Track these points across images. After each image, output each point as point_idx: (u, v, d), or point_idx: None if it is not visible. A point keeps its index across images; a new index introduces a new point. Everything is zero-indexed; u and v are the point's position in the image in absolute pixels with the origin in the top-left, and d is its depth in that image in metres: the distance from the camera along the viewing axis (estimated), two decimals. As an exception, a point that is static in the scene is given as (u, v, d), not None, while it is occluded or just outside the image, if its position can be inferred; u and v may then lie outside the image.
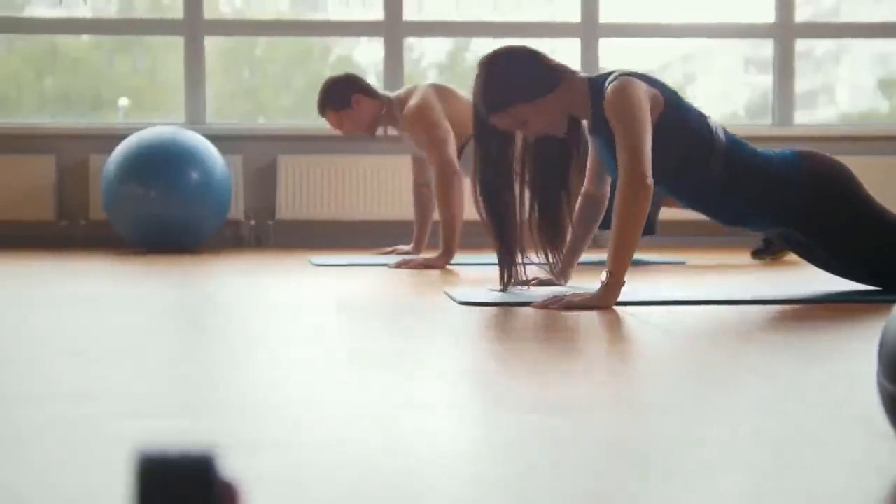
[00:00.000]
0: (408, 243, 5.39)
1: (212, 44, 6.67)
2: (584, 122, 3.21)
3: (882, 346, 1.24)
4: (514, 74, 3.11)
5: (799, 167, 3.13)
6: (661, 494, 1.16)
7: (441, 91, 4.82)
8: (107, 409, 1.59)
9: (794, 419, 1.55)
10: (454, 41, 7.52)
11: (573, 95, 3.12)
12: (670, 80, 7.82)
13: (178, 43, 6.49)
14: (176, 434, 1.42)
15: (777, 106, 6.68)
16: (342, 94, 4.89)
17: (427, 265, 4.56)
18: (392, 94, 4.95)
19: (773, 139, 6.40)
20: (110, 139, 5.87)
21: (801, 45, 6.76)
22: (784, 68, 6.65)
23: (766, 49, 6.82)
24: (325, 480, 1.20)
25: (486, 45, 7.58)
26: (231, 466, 1.25)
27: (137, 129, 5.76)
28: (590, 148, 3.30)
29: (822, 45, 8.04)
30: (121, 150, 5.61)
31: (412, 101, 4.75)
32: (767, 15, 6.64)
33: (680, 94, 3.16)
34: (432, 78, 7.40)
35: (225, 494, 0.65)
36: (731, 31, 6.91)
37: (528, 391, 1.76)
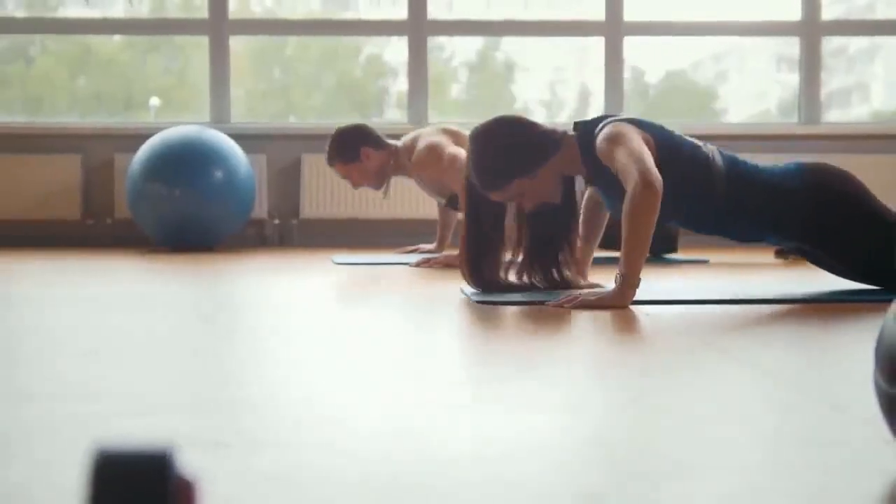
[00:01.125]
0: (431, 242, 5.39)
1: (242, 43, 6.71)
2: (580, 177, 3.22)
3: (878, 346, 1.23)
4: (510, 149, 3.08)
5: (802, 179, 3.10)
6: (661, 493, 1.15)
7: (446, 130, 4.84)
8: (110, 408, 1.60)
9: (795, 419, 1.54)
10: (484, 40, 7.52)
11: (567, 157, 3.13)
12: (702, 78, 7.73)
13: (204, 42, 6.51)
14: (179, 431, 1.43)
15: (804, 104, 6.64)
16: (351, 146, 4.91)
17: (448, 264, 4.56)
18: (399, 143, 4.96)
19: (799, 138, 6.36)
20: (136, 138, 5.91)
21: (834, 42, 6.71)
22: (810, 66, 6.60)
23: (797, 47, 6.77)
24: (323, 480, 1.20)
25: (515, 44, 7.60)
26: (226, 464, 1.25)
27: (162, 129, 5.80)
28: (588, 200, 3.37)
29: (856, 43, 7.98)
30: (145, 149, 5.65)
31: (420, 145, 4.77)
32: (794, 13, 6.60)
33: (668, 129, 3.14)
34: (463, 77, 7.42)
35: (181, 491, 0.65)
36: (757, 29, 6.88)
37: (532, 390, 1.76)
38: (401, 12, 6.60)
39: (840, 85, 8.48)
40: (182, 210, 5.54)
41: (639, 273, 2.89)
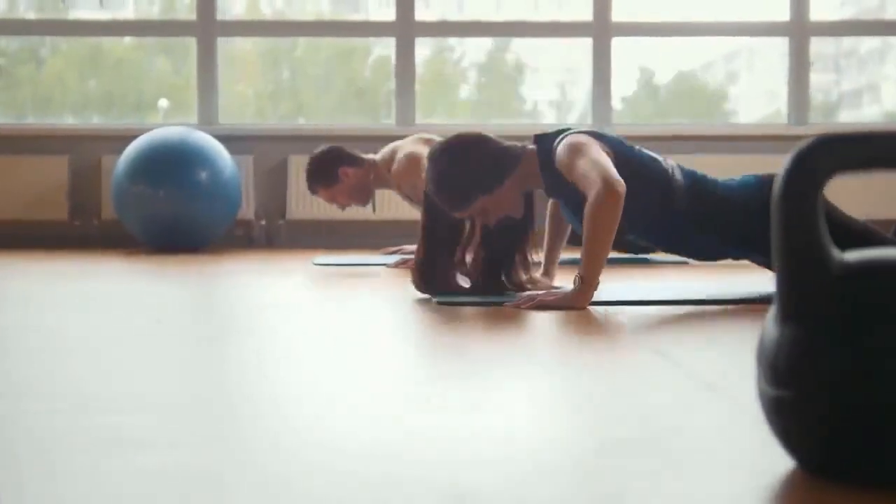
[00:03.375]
0: (415, 243, 5.40)
1: (251, 45, 6.72)
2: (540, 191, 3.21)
3: (759, 349, 1.24)
4: (471, 169, 3.06)
5: (761, 191, 3.06)
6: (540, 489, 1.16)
7: (424, 141, 4.84)
8: (51, 406, 1.62)
9: (696, 419, 1.55)
10: (493, 41, 7.53)
11: (527, 171, 3.12)
12: (712, 80, 7.72)
13: (220, 43, 6.53)
14: (111, 430, 1.44)
15: (793, 106, 6.63)
16: (328, 169, 4.91)
17: (425, 265, 4.57)
18: (377, 157, 4.96)
19: (788, 138, 6.35)
20: (123, 140, 5.93)
21: (846, 42, 6.70)
22: (799, 67, 6.60)
23: (812, 47, 6.74)
24: (294, 480, 1.22)
25: (525, 45, 7.60)
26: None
27: (149, 130, 5.82)
28: (552, 207, 3.38)
29: (867, 43, 7.96)
30: (130, 150, 5.67)
31: (399, 156, 4.77)
32: (783, 13, 6.60)
33: (628, 143, 3.14)
34: (472, 78, 7.44)
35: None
36: (745, 30, 6.88)
37: (474, 391, 1.77)
38: (407, 13, 6.62)
39: (852, 86, 8.46)
40: (167, 211, 5.56)
41: (598, 275, 2.90)
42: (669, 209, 3.08)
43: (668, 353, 2.15)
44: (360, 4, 7.78)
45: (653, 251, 4.53)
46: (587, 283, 2.88)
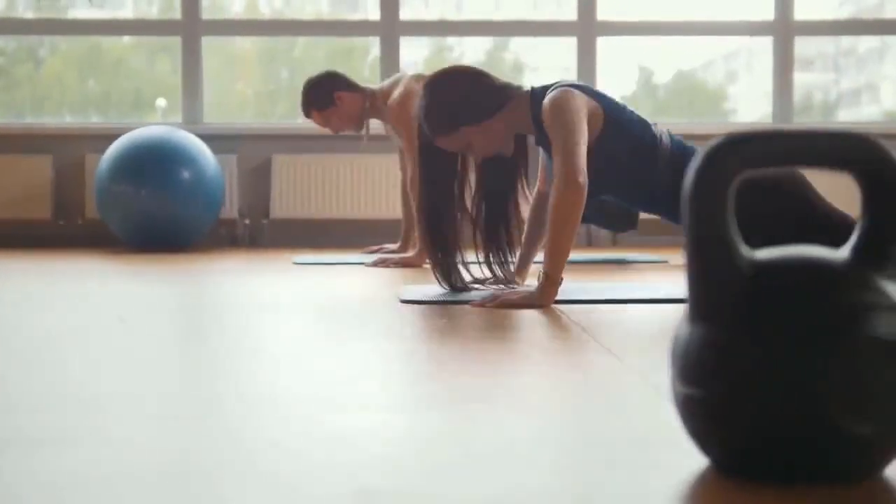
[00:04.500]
0: (397, 242, 5.40)
1: (249, 44, 6.72)
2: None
3: (672, 348, 1.24)
4: (460, 97, 3.10)
5: None
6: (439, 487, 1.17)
7: (424, 80, 4.81)
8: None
9: (632, 419, 1.55)
10: (493, 40, 7.53)
11: (519, 114, 3.13)
12: (711, 79, 7.68)
13: (219, 42, 6.53)
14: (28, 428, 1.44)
15: (777, 104, 6.63)
16: (324, 92, 4.90)
17: (403, 263, 4.58)
18: (376, 87, 4.97)
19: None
20: (106, 139, 5.93)
21: (845, 42, 6.69)
22: (783, 66, 6.60)
23: (808, 46, 6.73)
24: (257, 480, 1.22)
25: (526, 45, 7.61)
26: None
27: (132, 129, 5.82)
28: (541, 152, 3.32)
29: (866, 43, 7.95)
30: (113, 150, 5.67)
31: (396, 93, 4.76)
32: (767, 13, 6.60)
33: (622, 103, 3.16)
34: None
35: None
36: (730, 29, 6.87)
37: (435, 389, 1.78)
38: (406, 13, 6.62)
39: (851, 85, 8.46)
40: (149, 211, 5.56)
41: (561, 271, 2.91)
42: (653, 170, 3.11)
43: (618, 352, 2.15)
44: (358, 4, 7.78)
45: (618, 228, 4.51)
46: (550, 279, 2.88)
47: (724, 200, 1.17)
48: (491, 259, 3.27)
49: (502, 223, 3.26)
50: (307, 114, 4.99)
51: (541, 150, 3.29)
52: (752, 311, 1.16)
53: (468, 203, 3.25)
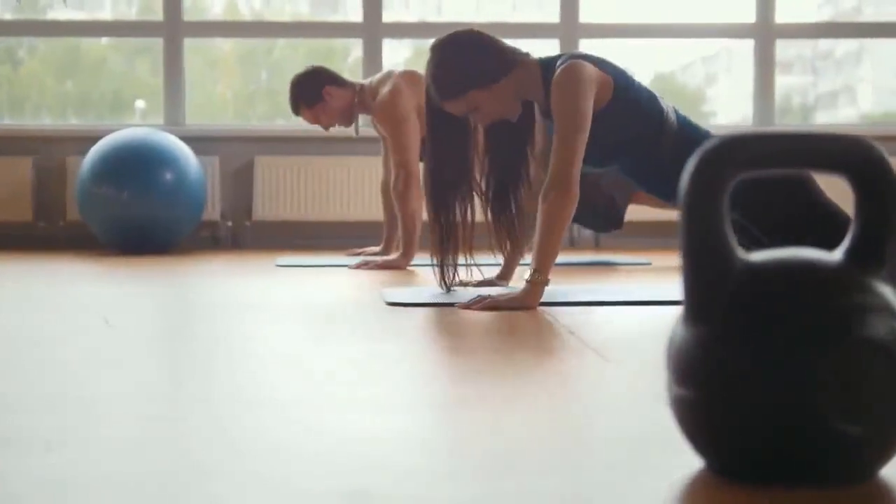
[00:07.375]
0: (380, 244, 5.39)
1: (228, 46, 6.69)
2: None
3: (668, 352, 1.24)
4: (467, 60, 3.10)
5: None
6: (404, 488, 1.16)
7: (412, 77, 4.81)
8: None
9: (600, 417, 1.55)
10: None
11: (527, 79, 3.13)
12: (692, 80, 7.67)
13: (199, 44, 6.50)
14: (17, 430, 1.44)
15: (757, 107, 6.65)
16: (312, 88, 4.89)
17: (387, 266, 4.57)
18: (364, 82, 4.96)
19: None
20: (88, 141, 5.89)
21: (822, 45, 6.72)
22: (763, 69, 6.63)
23: (790, 49, 6.75)
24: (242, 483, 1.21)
25: (524, 46, 7.61)
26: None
27: (114, 131, 5.79)
28: (537, 132, 3.31)
29: (843, 46, 7.98)
30: (94, 152, 5.64)
31: (384, 90, 4.75)
32: (749, 15, 6.62)
33: (631, 76, 3.17)
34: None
35: None
36: (712, 31, 6.90)
37: (426, 391, 1.77)
38: (388, 15, 6.61)
39: (828, 88, 8.49)
40: (131, 213, 5.53)
41: (548, 273, 2.91)
42: (658, 146, 3.12)
43: (606, 354, 2.16)
44: (338, 6, 7.76)
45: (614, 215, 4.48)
46: (538, 281, 2.89)
47: (719, 203, 1.17)
48: (500, 221, 3.25)
49: (511, 194, 3.25)
50: (296, 111, 4.97)
51: (539, 127, 3.28)
52: (746, 313, 1.16)
53: (476, 174, 3.24)
